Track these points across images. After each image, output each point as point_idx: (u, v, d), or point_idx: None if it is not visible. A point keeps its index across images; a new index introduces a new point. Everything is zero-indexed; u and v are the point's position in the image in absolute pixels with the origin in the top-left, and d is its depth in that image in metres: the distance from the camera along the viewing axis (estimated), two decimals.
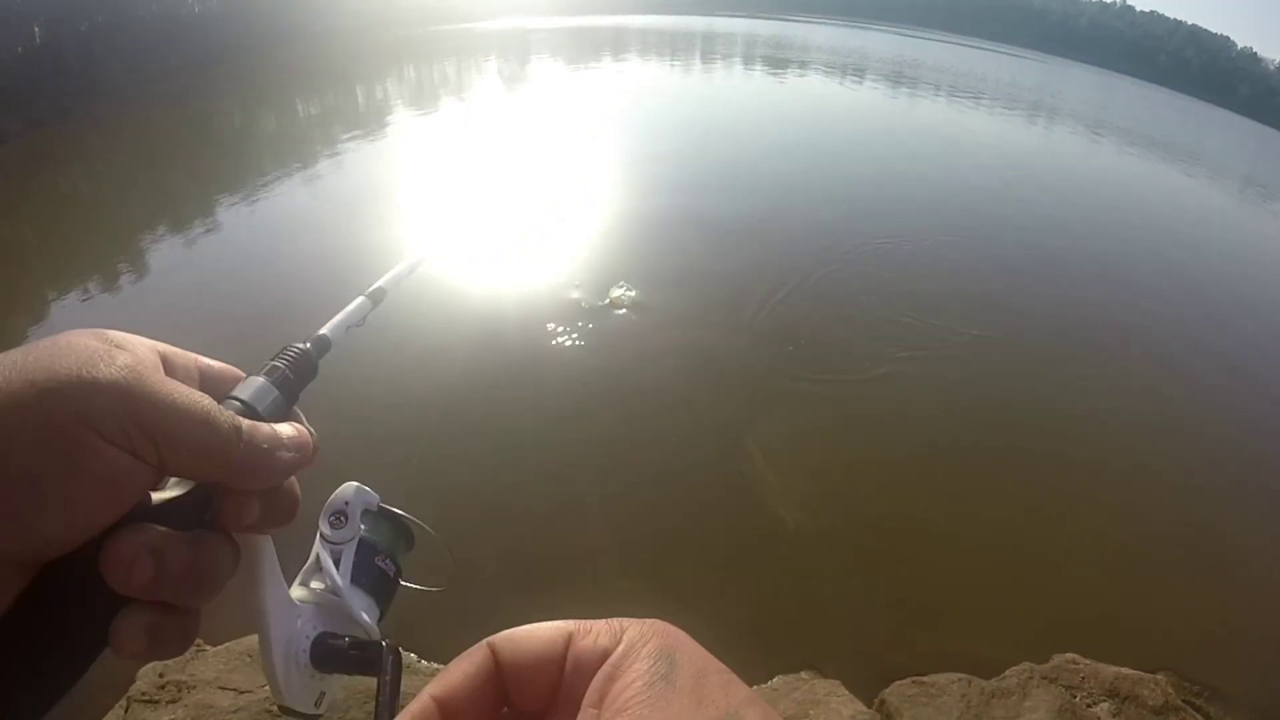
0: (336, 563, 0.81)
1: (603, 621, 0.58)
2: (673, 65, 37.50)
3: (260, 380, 0.70)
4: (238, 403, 0.66)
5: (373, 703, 0.70)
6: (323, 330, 0.81)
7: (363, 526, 0.85)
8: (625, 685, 0.52)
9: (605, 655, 0.55)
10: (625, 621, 0.58)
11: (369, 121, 24.56)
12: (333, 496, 0.86)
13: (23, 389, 0.52)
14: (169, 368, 0.64)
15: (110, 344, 0.59)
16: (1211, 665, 6.48)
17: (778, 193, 17.46)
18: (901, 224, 16.06)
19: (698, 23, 50.83)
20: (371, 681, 0.73)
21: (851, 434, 9.26)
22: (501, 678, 0.57)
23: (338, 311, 0.86)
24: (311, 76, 33.24)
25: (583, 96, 26.92)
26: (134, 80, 29.99)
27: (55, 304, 14.55)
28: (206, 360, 0.70)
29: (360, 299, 0.90)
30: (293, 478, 0.69)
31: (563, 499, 7.68)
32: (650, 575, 6.90)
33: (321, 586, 0.80)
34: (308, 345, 0.77)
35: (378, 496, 0.87)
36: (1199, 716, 5.86)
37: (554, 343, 10.49)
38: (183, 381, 0.62)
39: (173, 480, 0.62)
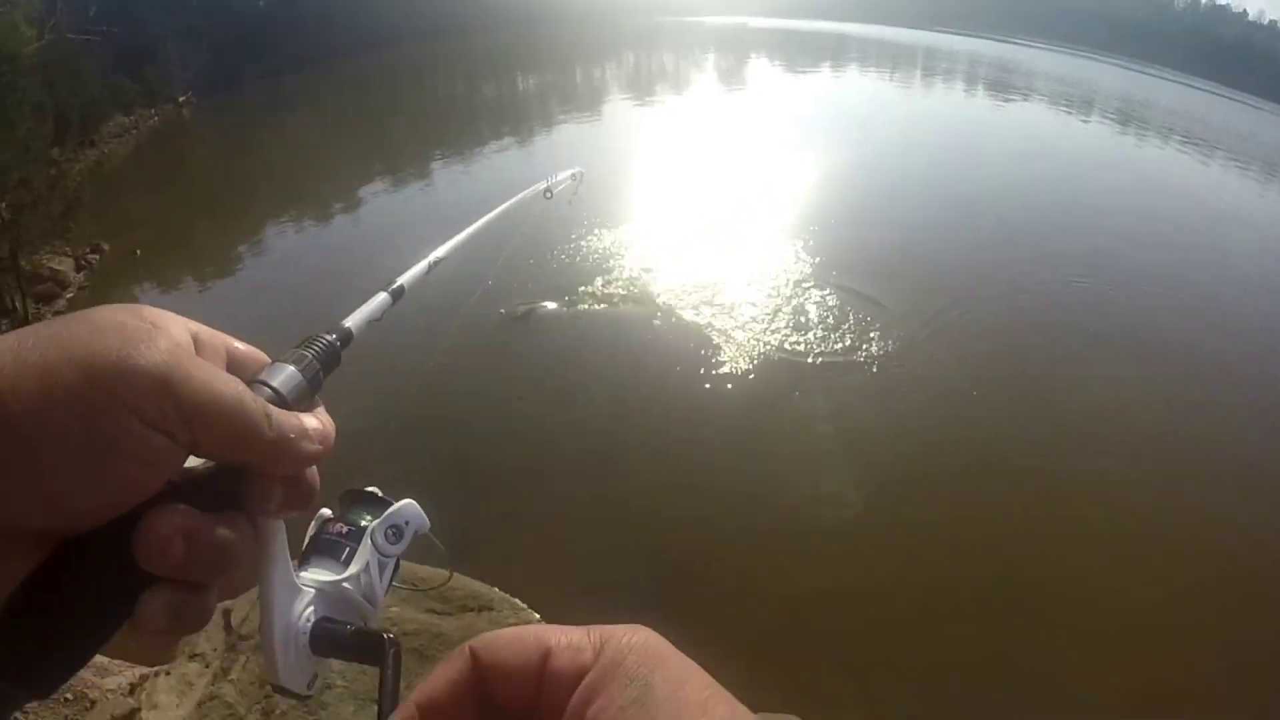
0: (381, 572, 0.79)
1: (582, 631, 0.56)
2: (891, 79, 36.17)
3: (289, 368, 0.69)
4: (267, 388, 0.65)
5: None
6: (346, 323, 0.79)
7: (365, 516, 0.82)
8: (601, 709, 0.51)
9: (582, 672, 0.53)
10: (605, 632, 0.55)
11: (585, 103, 24.61)
12: (395, 509, 0.82)
13: (62, 367, 0.52)
14: (199, 347, 0.62)
15: (148, 323, 0.58)
16: None
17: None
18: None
19: (921, 38, 49.19)
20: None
21: None
22: (482, 682, 0.56)
23: (359, 305, 0.82)
24: (533, 56, 33.90)
25: (799, 101, 26.04)
26: (363, 42, 31.46)
27: (272, 231, 15.77)
28: (235, 342, 0.67)
29: (382, 295, 0.86)
30: (313, 467, 0.68)
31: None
32: None
33: (328, 575, 0.76)
34: (333, 336, 0.75)
35: (429, 523, 0.83)
36: None
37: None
38: (212, 359, 0.62)
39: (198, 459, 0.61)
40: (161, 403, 0.54)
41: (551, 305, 10.96)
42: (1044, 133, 27.31)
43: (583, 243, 12.54)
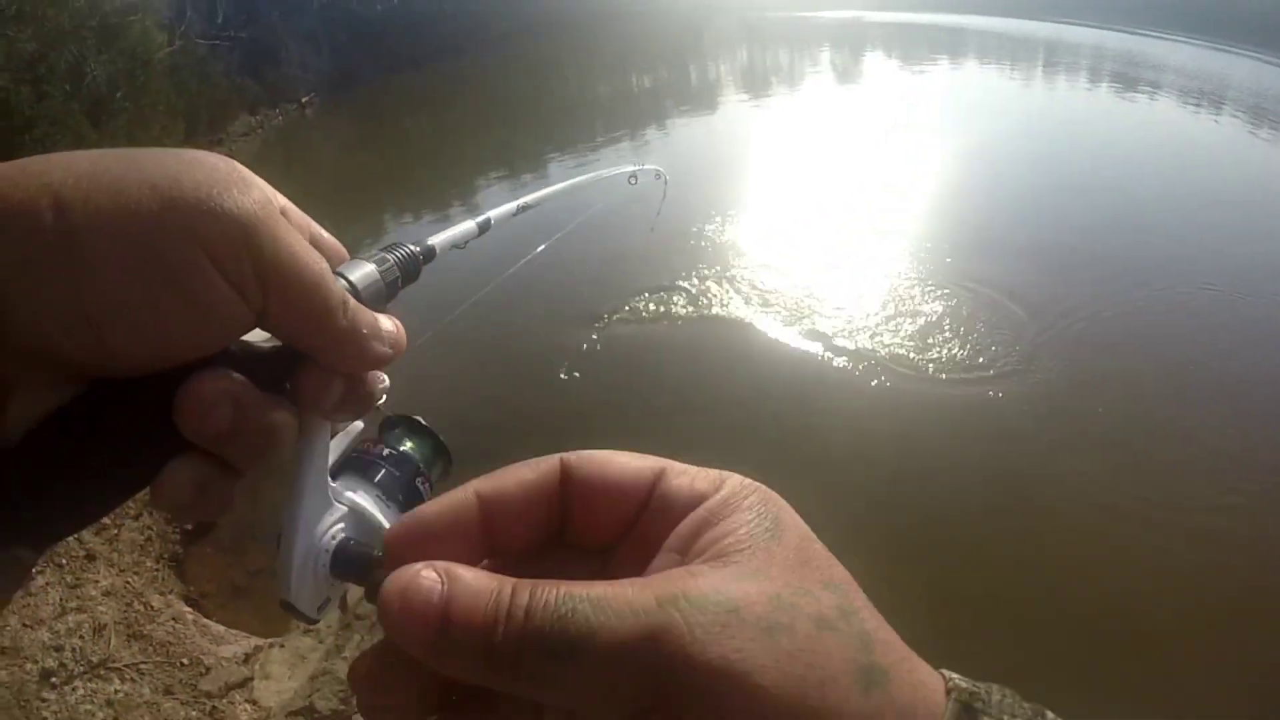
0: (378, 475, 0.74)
1: (698, 468, 0.54)
2: (1011, 76, 35.15)
3: (368, 266, 0.69)
4: (344, 280, 0.65)
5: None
6: (431, 240, 0.83)
7: (408, 442, 0.78)
8: (722, 534, 0.48)
9: (701, 499, 0.51)
10: (725, 473, 0.54)
11: (700, 100, 24.56)
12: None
13: (141, 192, 0.49)
14: (286, 217, 0.60)
15: (240, 173, 0.56)
16: None
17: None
18: None
19: (1042, 29, 47.53)
20: None
21: None
22: (566, 497, 0.54)
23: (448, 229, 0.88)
24: (643, 51, 34.10)
25: (913, 98, 25.41)
26: (475, 41, 32.08)
27: (390, 224, 16.02)
28: (318, 228, 0.68)
29: (470, 224, 0.94)
30: (376, 374, 0.68)
31: None
32: None
33: (357, 494, 0.71)
34: (417, 248, 0.78)
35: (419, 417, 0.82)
36: None
37: None
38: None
39: (259, 334, 0.59)
40: (241, 255, 0.51)
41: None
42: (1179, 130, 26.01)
43: (679, 232, 12.34)
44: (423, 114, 23.83)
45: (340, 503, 0.70)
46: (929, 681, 0.47)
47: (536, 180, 17.06)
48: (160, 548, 6.39)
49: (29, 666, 4.77)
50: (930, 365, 9.54)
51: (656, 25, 39.05)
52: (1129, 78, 34.40)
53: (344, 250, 0.69)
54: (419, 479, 0.77)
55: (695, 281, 11.17)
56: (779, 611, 0.44)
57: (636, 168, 1.53)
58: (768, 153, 18.43)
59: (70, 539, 5.73)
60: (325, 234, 0.68)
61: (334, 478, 0.71)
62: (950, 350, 9.81)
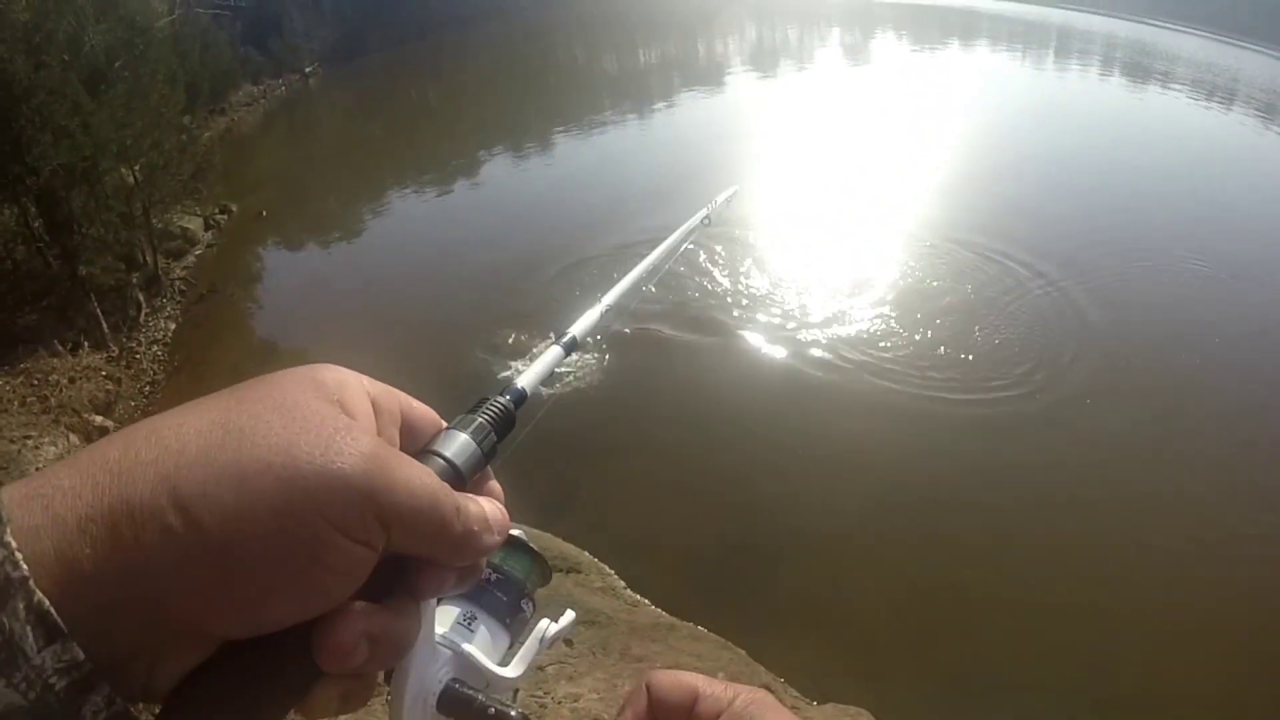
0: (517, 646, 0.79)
1: (723, 684, 0.68)
2: (1022, 61, 34.86)
3: (464, 437, 0.67)
4: (442, 461, 0.64)
5: None
6: (520, 383, 0.78)
7: (510, 561, 0.81)
8: None
9: (718, 713, 0.66)
10: (738, 687, 0.68)
11: (708, 77, 24.33)
12: (565, 621, 0.83)
13: (258, 474, 0.50)
14: (377, 412, 0.62)
15: (339, 408, 0.57)
16: None
17: None
18: None
19: (1053, 15, 47.17)
20: None
21: None
22: (652, 713, 0.69)
23: (533, 359, 0.84)
24: (652, 27, 33.70)
25: (921, 81, 25.20)
26: (487, 12, 31.76)
27: (395, 195, 16.09)
28: (409, 401, 0.67)
29: (555, 349, 0.87)
30: None
31: None
32: None
33: (464, 643, 0.75)
34: (507, 398, 0.74)
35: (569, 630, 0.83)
36: None
37: None
38: (388, 426, 0.62)
39: None
40: (364, 514, 0.53)
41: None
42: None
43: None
44: (428, 84, 23.69)
45: (444, 648, 0.73)
46: None
47: (538, 151, 17.02)
48: None
49: None
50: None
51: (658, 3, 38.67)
52: (1140, 66, 34.10)
53: (436, 417, 0.69)
54: (523, 600, 0.81)
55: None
56: None
57: (709, 210, 1.46)
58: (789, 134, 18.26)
59: None
60: (415, 404, 0.68)
61: (441, 601, 0.74)
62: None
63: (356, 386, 0.61)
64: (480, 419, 0.70)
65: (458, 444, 0.66)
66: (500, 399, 0.74)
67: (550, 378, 0.83)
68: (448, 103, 21.06)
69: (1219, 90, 29.07)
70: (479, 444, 0.67)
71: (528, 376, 0.79)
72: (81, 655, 0.46)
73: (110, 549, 0.47)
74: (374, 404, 0.62)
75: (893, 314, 10.50)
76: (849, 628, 6.75)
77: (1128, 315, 10.63)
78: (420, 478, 0.58)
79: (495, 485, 0.70)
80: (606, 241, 11.97)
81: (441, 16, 29.85)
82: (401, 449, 0.61)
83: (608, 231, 12.35)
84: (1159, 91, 28.80)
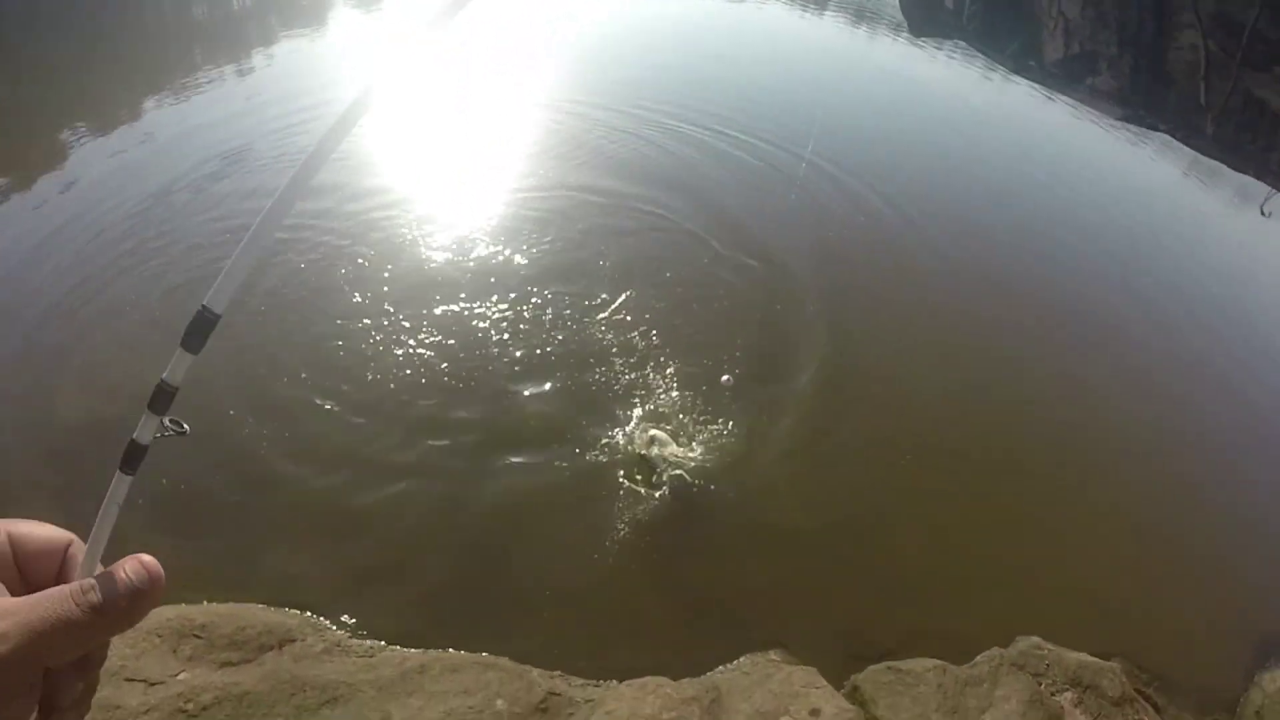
0: None
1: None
2: None
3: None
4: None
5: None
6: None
7: None
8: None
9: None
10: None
11: (312, 16, 21.98)
12: None
13: None
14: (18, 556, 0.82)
15: None
16: (1160, 655, 6.68)
17: None
18: None
19: None
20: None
21: None
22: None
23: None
24: None
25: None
26: None
27: None
28: (16, 530, 0.83)
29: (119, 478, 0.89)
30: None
31: None
32: None
33: None
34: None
35: None
36: (1149, 707, 6.14)
37: None
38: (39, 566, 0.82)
39: None
40: (16, 687, 0.68)
41: None
42: None
43: None
44: None
45: None
46: None
47: (132, 128, 14.32)
48: None
49: None
50: None
51: None
52: None
53: (54, 534, 0.83)
54: None
55: None
56: None
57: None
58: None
59: None
60: (23, 530, 0.83)
61: None
62: None
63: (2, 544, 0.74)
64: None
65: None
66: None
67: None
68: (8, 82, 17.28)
69: None
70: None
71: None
72: None
73: None
74: (15, 545, 0.76)
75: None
76: (602, 594, 6.15)
77: None
78: (56, 621, 0.70)
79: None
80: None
81: None
82: (28, 580, 0.79)
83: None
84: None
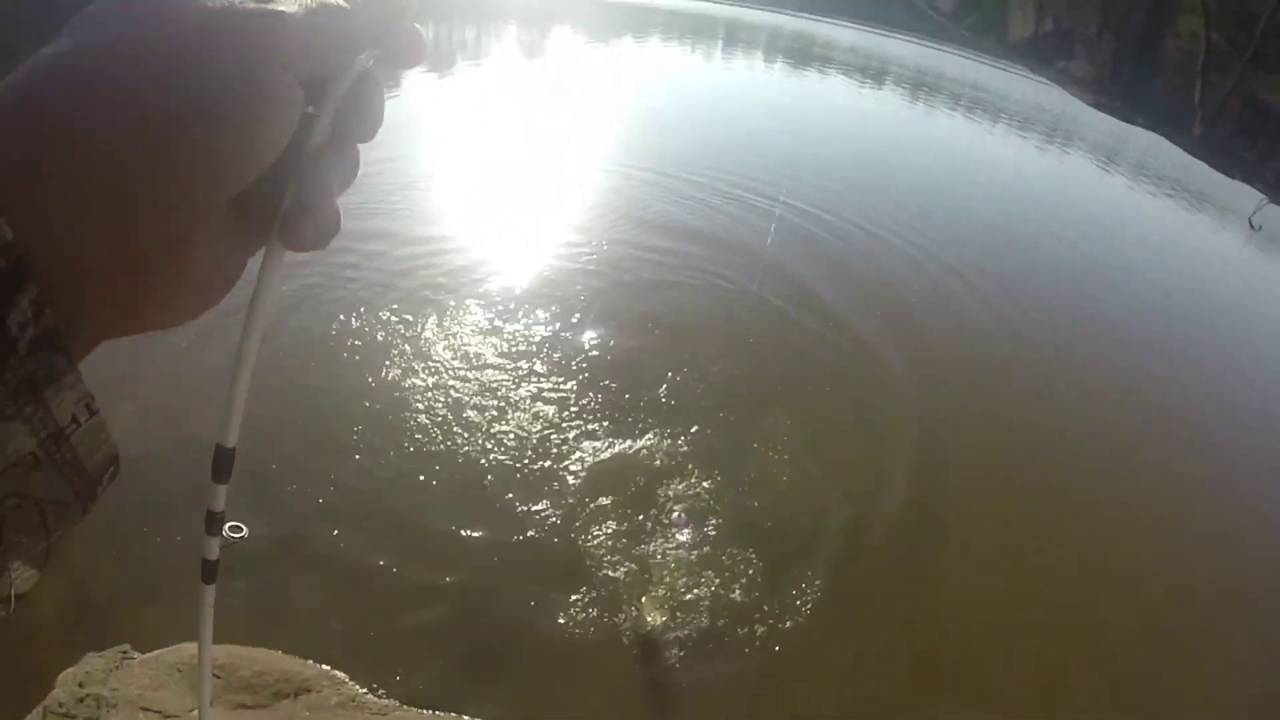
0: None
1: None
2: (692, 50, 36.41)
3: None
4: None
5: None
6: None
7: None
8: None
9: None
10: None
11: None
12: None
13: (204, 24, 0.52)
14: None
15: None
16: None
17: None
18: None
19: (724, 11, 49.08)
20: None
21: None
22: None
23: None
24: None
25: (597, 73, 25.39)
26: None
27: None
28: None
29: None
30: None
31: None
32: None
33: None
34: None
35: None
36: None
37: None
38: None
39: None
40: (302, 53, 0.56)
41: None
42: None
43: None
44: None
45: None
46: None
47: None
48: None
49: None
50: None
51: None
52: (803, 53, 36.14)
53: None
54: None
55: None
56: None
57: None
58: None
59: None
60: None
61: None
62: None
63: None
64: None
65: None
66: None
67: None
68: None
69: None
70: None
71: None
72: (10, 234, 0.42)
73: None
74: None
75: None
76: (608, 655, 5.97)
77: None
78: (337, 12, 0.59)
79: None
80: None
81: None
82: None
83: None
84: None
